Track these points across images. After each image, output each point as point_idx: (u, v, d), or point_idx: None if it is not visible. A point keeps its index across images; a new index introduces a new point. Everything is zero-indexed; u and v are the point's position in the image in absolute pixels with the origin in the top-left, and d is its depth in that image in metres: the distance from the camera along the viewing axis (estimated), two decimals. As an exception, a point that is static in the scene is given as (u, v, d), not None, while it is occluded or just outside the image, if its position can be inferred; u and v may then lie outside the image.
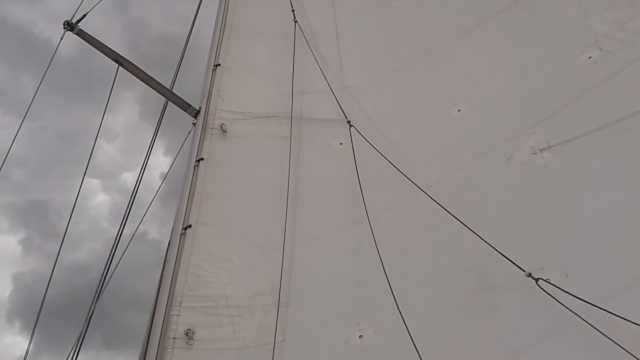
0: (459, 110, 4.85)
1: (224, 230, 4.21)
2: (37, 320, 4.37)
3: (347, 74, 5.55)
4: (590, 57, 4.67)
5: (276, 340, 3.47)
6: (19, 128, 5.03)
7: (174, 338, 3.66)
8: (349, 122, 4.80)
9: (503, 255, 3.34)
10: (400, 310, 3.57)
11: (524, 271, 3.25)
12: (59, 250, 4.57)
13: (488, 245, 3.64)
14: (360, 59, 5.91)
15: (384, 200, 4.40)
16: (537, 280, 3.16)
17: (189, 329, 3.67)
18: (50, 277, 4.38)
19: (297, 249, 4.09)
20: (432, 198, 3.85)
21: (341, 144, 4.94)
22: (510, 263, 3.40)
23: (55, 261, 4.49)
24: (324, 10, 6.54)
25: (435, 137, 4.72)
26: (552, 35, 5.14)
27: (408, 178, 4.05)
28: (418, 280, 3.91)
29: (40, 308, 4.37)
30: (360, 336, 3.67)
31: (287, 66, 5.49)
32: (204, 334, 3.67)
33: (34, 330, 4.33)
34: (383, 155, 4.28)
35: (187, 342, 3.59)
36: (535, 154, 4.24)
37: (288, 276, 3.85)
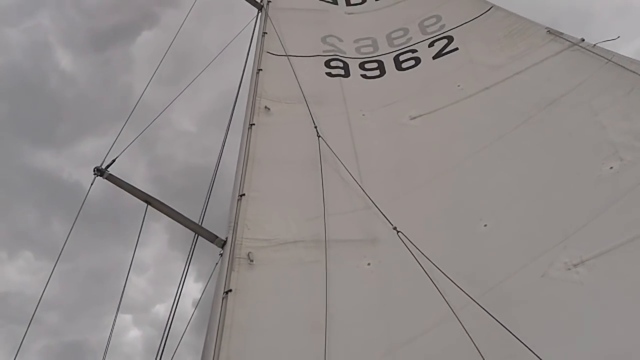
0: (485, 226, 4.91)
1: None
2: None
3: (370, 194, 5.72)
4: (612, 168, 4.79)
5: None
6: (51, 274, 5.21)
7: None
8: (395, 228, 4.84)
9: None
10: None
11: None
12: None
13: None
14: (381, 179, 6.08)
15: (420, 322, 4.36)
16: None
17: None
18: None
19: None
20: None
21: (369, 264, 4.99)
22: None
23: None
24: (342, 133, 6.88)
25: (464, 254, 4.75)
26: (570, 147, 5.31)
27: (444, 298, 4.04)
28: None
29: None
30: None
31: (309, 190, 5.64)
32: None
33: None
34: (428, 262, 4.27)
35: None
36: (569, 269, 4.24)
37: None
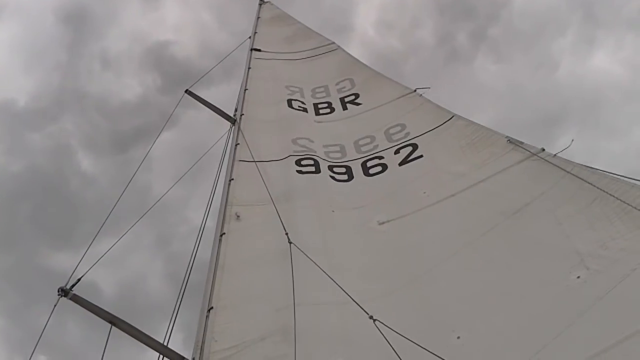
0: (458, 338, 4.92)
1: None
2: None
3: (341, 293, 5.70)
4: (579, 277, 4.94)
5: None
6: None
7: None
8: (371, 317, 4.76)
9: None
10: None
11: None
12: None
13: None
14: (352, 279, 6.09)
15: None
16: None
17: None
18: None
19: None
20: None
21: None
22: None
23: None
24: (312, 226, 6.95)
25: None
26: (538, 256, 5.47)
27: None
28: None
29: None
30: None
31: (281, 284, 5.60)
32: None
33: None
34: None
35: None
36: None
37: None
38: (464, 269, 5.75)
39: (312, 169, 8.31)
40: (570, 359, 4.36)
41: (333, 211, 7.36)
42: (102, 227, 6.83)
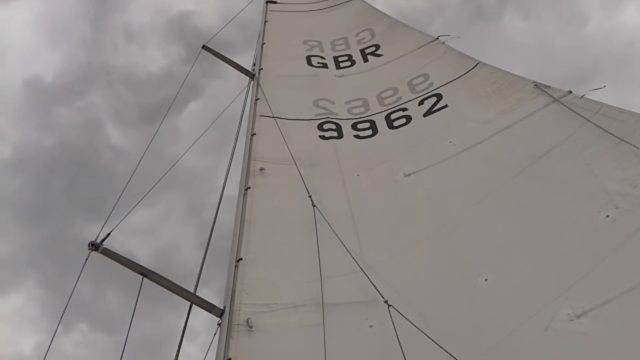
0: (485, 280, 4.98)
1: None
2: None
3: (368, 254, 5.79)
4: (608, 216, 4.92)
5: None
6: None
7: None
8: (386, 301, 4.83)
9: None
10: None
11: None
12: None
13: None
14: (378, 238, 6.16)
15: None
16: None
17: None
18: None
19: None
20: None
21: (371, 327, 5.01)
22: None
23: None
24: (337, 195, 7.00)
25: (467, 310, 4.79)
26: (566, 198, 5.45)
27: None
28: None
29: None
30: None
31: (308, 253, 5.68)
32: None
33: None
34: (425, 334, 4.31)
35: None
36: (572, 320, 4.29)
37: None
38: (491, 215, 5.75)
39: (335, 134, 8.29)
40: (598, 297, 4.37)
41: (358, 175, 7.36)
42: (129, 180, 6.96)
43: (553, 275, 4.72)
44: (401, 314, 4.58)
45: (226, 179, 7.36)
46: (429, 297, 5.07)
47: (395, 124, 8.22)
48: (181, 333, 5.30)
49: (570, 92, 6.57)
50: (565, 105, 6.39)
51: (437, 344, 4.17)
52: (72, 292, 5.48)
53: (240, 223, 6.34)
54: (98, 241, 5.73)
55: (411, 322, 4.47)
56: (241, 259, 5.79)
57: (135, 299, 5.32)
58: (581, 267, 4.63)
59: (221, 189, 7.15)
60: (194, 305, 5.53)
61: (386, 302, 4.83)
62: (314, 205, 6.16)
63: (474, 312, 4.73)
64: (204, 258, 6.09)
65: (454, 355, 4.00)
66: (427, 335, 4.29)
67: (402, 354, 4.21)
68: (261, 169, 7.17)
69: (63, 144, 21.31)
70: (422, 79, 8.78)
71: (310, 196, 6.38)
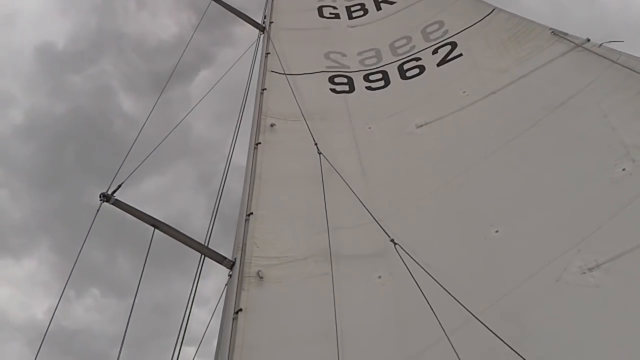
0: (496, 232, 4.97)
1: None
2: None
3: (377, 206, 5.79)
4: (624, 169, 4.85)
5: None
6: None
7: None
8: (392, 240, 4.85)
9: None
10: None
11: None
12: None
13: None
14: (389, 190, 6.15)
15: (434, 331, 4.41)
16: None
17: None
18: None
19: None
20: (490, 329, 3.88)
21: (380, 277, 5.06)
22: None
23: None
24: (347, 148, 6.98)
25: (478, 261, 4.81)
26: (581, 150, 5.37)
27: (463, 306, 4.09)
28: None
29: None
30: None
31: (318, 205, 5.70)
32: None
33: None
34: (432, 277, 4.34)
35: None
36: (584, 273, 4.29)
37: None
38: (504, 167, 5.71)
39: (346, 87, 8.21)
40: (612, 251, 4.35)
41: (370, 128, 7.32)
42: (140, 132, 6.98)
43: (566, 228, 4.70)
44: (409, 255, 4.60)
45: (236, 133, 7.35)
46: (439, 246, 5.09)
47: (409, 74, 8.10)
48: (192, 286, 5.39)
49: (589, 40, 6.40)
50: (587, 49, 6.22)
51: (445, 289, 4.20)
52: (83, 245, 5.57)
53: (251, 178, 6.37)
54: (109, 192, 5.78)
55: (419, 264, 4.49)
56: (252, 213, 5.84)
57: (146, 253, 5.40)
58: (595, 220, 4.60)
59: (231, 145, 7.15)
60: (205, 262, 5.60)
61: (392, 240, 4.85)
62: (320, 153, 6.15)
63: (484, 263, 4.74)
64: (215, 212, 6.14)
65: (462, 303, 4.03)
66: (434, 279, 4.32)
67: (423, 294, 4.23)
68: (272, 125, 7.16)
69: (75, 111, 21.40)
70: (436, 26, 8.61)
71: (316, 144, 6.38)
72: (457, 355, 3.90)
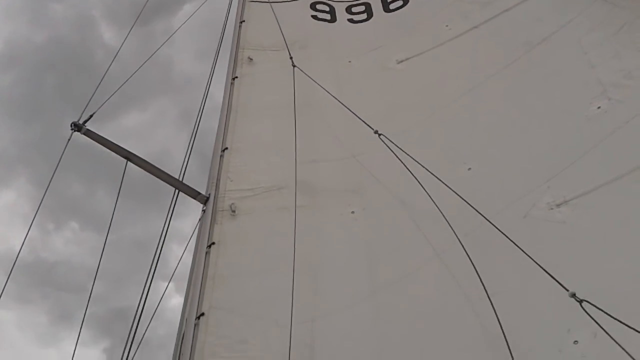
0: (469, 169, 5.05)
1: (238, 311, 4.32)
2: None
3: (355, 141, 5.82)
4: (599, 107, 4.88)
5: None
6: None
7: None
8: (376, 132, 5.00)
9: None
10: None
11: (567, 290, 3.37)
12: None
13: (515, 310, 3.81)
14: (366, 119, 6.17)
15: (405, 265, 4.55)
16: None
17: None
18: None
19: (316, 324, 4.18)
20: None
21: (353, 212, 5.12)
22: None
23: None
24: (328, 80, 6.91)
25: (449, 196, 4.89)
26: (559, 87, 5.38)
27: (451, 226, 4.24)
28: (444, 350, 4.00)
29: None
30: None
31: (298, 135, 5.69)
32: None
33: None
34: (416, 161, 4.45)
35: None
36: (552, 209, 4.38)
37: (304, 355, 3.97)
38: (482, 103, 5.73)
39: (328, 16, 8.10)
40: (580, 187, 4.43)
41: (350, 62, 7.25)
42: (114, 60, 6.88)
43: (538, 165, 4.77)
44: (393, 143, 4.75)
45: (213, 67, 7.26)
46: (411, 183, 5.13)
47: (392, 6, 8.00)
48: (165, 221, 5.44)
49: None
50: None
51: (429, 171, 4.31)
52: (53, 174, 5.56)
53: (227, 113, 6.34)
54: (81, 122, 5.72)
55: (403, 151, 4.65)
56: (227, 148, 5.85)
57: (120, 185, 5.41)
58: (566, 157, 4.66)
59: (208, 80, 7.07)
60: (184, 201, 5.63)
61: (376, 132, 5.02)
62: (294, 66, 6.10)
63: (455, 200, 4.82)
64: (190, 147, 6.14)
65: (429, 239, 4.14)
66: (417, 162, 4.51)
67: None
68: (249, 59, 7.07)
69: (55, 40, 20.84)
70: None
71: (291, 57, 6.40)
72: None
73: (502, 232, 3.93)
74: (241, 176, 5.48)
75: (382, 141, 4.83)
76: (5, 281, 4.85)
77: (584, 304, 3.23)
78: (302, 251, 4.49)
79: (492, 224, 3.99)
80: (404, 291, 4.39)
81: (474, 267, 4.00)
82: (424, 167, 4.58)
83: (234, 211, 5.09)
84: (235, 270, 4.67)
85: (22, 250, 5.22)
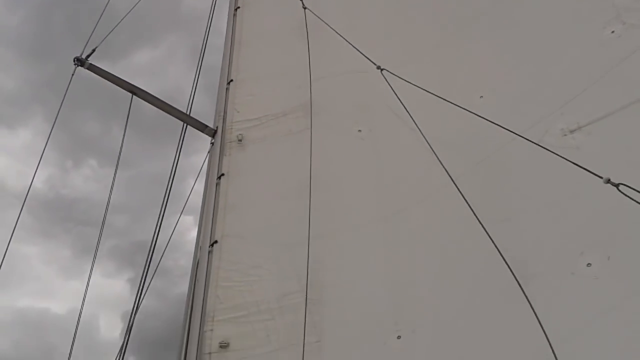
0: (481, 97, 4.98)
1: (250, 237, 4.40)
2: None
3: (361, 63, 5.73)
4: (613, 32, 4.80)
5: (311, 341, 3.65)
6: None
7: (209, 353, 3.86)
8: (379, 67, 4.91)
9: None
10: (438, 307, 3.74)
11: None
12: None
13: (528, 235, 3.85)
14: (375, 48, 6.08)
15: (417, 192, 4.56)
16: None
17: (224, 342, 3.88)
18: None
19: (324, 243, 4.22)
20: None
21: (359, 131, 5.10)
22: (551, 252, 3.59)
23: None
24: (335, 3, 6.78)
25: (460, 125, 4.87)
26: (570, 13, 5.27)
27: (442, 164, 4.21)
28: (455, 275, 4.05)
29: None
30: (399, 337, 3.80)
31: (301, 58, 5.64)
32: (238, 344, 3.84)
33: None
34: (424, 89, 4.40)
35: (223, 355, 3.80)
36: (565, 135, 4.37)
37: (317, 273, 4.01)
38: (492, 29, 5.59)
39: None
40: (594, 113, 4.41)
41: None
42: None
43: (550, 91, 4.72)
44: (397, 76, 4.64)
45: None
46: (421, 108, 5.08)
47: None
48: (175, 155, 5.46)
49: None
50: None
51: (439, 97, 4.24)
52: (60, 109, 5.53)
53: (231, 45, 6.26)
54: (83, 57, 5.66)
55: (407, 81, 4.55)
56: (232, 80, 5.80)
57: (126, 119, 5.39)
58: (580, 83, 4.61)
59: (210, 9, 6.95)
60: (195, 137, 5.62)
61: (378, 67, 4.88)
62: (305, 8, 6.00)
63: (467, 128, 4.79)
64: (196, 79, 6.10)
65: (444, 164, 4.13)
66: (425, 90, 4.37)
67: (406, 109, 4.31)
68: None
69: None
70: None
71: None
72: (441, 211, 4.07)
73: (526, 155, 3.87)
74: (247, 107, 5.46)
75: (384, 77, 4.73)
76: (21, 213, 4.89)
77: (620, 187, 3.21)
78: (311, 173, 4.49)
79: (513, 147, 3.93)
80: (415, 217, 4.41)
81: (486, 194, 4.01)
82: (433, 94, 4.51)
83: (240, 140, 5.09)
84: (245, 199, 4.71)
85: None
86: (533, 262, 3.83)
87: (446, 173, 4.30)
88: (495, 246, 3.57)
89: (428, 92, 4.56)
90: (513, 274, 3.50)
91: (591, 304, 3.48)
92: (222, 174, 4.91)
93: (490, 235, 4.00)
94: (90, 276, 5.04)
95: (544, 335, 3.35)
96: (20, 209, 5.09)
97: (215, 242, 4.38)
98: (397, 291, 4.00)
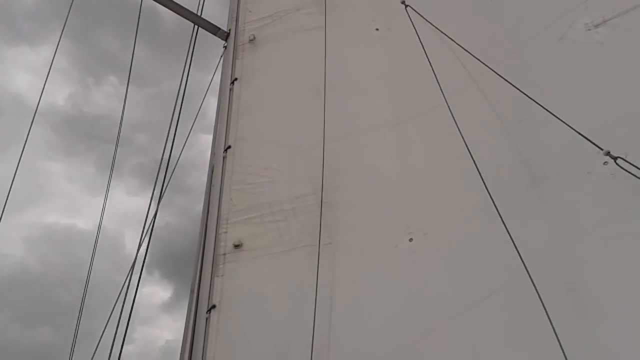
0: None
1: (262, 140, 4.42)
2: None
3: None
4: None
5: (324, 243, 3.75)
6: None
7: (224, 254, 3.99)
8: (403, 2, 4.72)
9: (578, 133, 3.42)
10: (451, 211, 3.76)
11: (602, 149, 3.33)
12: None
13: (545, 134, 3.78)
14: None
15: (433, 96, 4.46)
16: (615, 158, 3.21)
17: (238, 243, 4.00)
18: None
19: (337, 146, 4.23)
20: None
21: (377, 29, 4.95)
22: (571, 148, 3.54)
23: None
24: None
25: (481, 23, 4.69)
26: None
27: (477, 58, 4.12)
28: (468, 178, 4.03)
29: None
30: (411, 239, 3.85)
31: None
32: (252, 244, 3.97)
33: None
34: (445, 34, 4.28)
35: (236, 255, 3.93)
36: (589, 30, 4.19)
37: (330, 176, 4.05)
38: None
39: None
40: (621, 6, 4.19)
41: None
42: None
43: None
44: (420, 15, 4.46)
45: None
46: (441, 9, 4.89)
47: None
48: (187, 57, 5.40)
49: None
50: None
51: (456, 42, 4.13)
52: (67, 19, 5.45)
53: None
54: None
55: (431, 23, 4.35)
56: None
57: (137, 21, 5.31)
58: None
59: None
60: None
61: (403, 2, 4.71)
62: None
63: (488, 25, 4.60)
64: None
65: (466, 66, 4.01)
66: (444, 33, 4.23)
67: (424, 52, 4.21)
68: None
69: None
70: None
71: None
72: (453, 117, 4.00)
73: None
74: (259, 5, 5.33)
75: (408, 14, 4.51)
76: (36, 127, 4.96)
77: (618, 160, 3.17)
78: (325, 72, 4.41)
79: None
80: (431, 121, 4.34)
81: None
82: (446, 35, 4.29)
83: (252, 40, 4.99)
84: (258, 102, 4.69)
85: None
86: (548, 164, 3.78)
87: (464, 74, 4.21)
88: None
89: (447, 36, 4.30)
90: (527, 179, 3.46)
91: (603, 202, 3.44)
92: (236, 79, 4.86)
93: (511, 132, 3.95)
94: (107, 191, 5.15)
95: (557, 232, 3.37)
96: (31, 122, 5.11)
97: (229, 147, 4.41)
98: (410, 195, 4.00)
